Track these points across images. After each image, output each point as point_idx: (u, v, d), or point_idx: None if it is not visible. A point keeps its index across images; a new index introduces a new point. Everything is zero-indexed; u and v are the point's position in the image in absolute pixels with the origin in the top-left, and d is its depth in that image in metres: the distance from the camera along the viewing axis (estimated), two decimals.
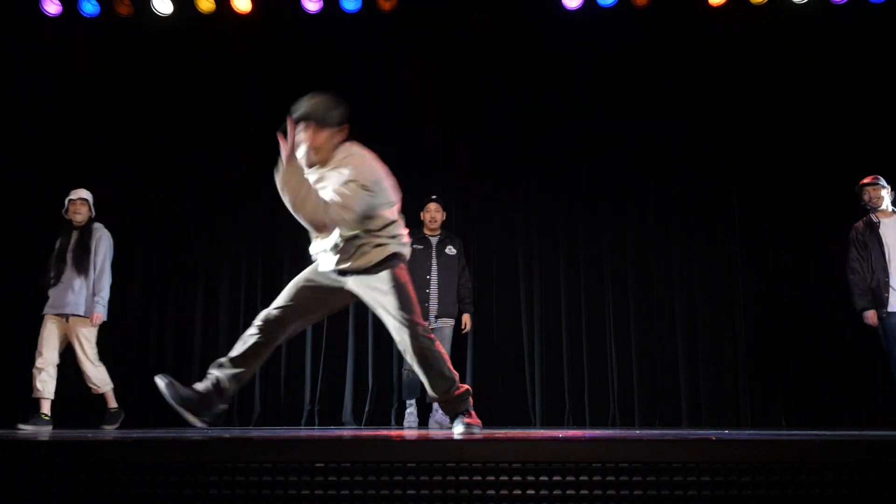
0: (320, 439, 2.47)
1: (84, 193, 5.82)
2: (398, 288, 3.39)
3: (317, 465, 2.28)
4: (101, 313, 5.67)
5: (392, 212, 3.46)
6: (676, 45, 6.61)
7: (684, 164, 6.62)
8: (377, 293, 3.42)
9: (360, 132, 5.50)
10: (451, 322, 5.98)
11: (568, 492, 2.18)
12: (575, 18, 6.59)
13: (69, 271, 5.62)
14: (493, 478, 2.23)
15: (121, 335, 6.50)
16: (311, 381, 6.57)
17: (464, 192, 6.74)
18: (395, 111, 6.72)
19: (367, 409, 6.47)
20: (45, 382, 5.50)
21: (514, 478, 2.22)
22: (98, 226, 5.82)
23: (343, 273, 3.47)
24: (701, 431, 4.49)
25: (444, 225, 6.18)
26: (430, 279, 5.93)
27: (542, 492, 2.19)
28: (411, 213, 5.70)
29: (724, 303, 6.42)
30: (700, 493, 2.12)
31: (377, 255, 3.40)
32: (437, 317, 5.91)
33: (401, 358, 6.49)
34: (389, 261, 3.41)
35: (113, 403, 5.76)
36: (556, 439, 2.37)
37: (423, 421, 6.09)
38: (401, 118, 6.72)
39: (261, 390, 6.61)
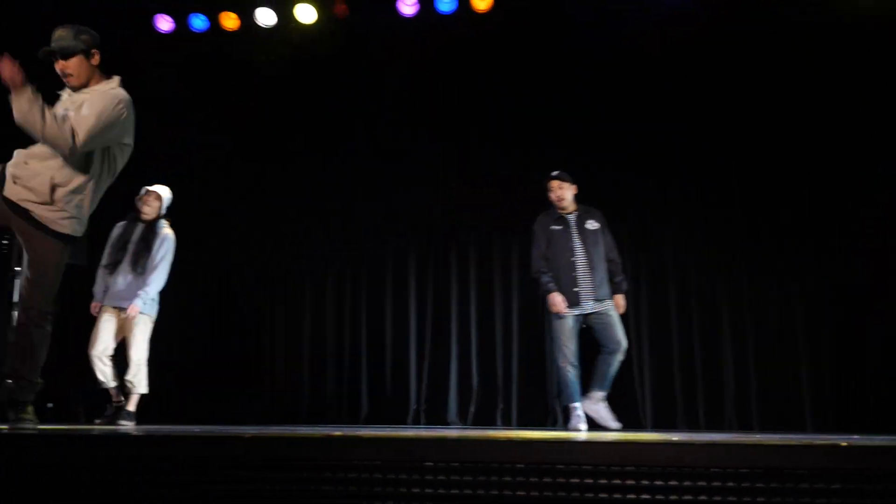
0: (430, 438, 2.47)
1: (162, 190, 5.68)
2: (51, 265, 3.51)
3: (426, 464, 2.28)
4: (138, 306, 5.40)
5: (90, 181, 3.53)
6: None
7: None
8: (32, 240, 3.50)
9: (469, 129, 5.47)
10: (610, 303, 5.40)
11: (685, 497, 2.10)
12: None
13: (126, 264, 5.48)
14: (605, 481, 2.18)
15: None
16: (416, 380, 6.64)
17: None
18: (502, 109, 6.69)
19: (472, 409, 6.47)
20: (103, 372, 5.40)
21: (628, 481, 2.16)
22: (164, 223, 5.64)
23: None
24: (828, 436, 4.27)
25: (579, 199, 5.61)
26: (574, 261, 5.38)
27: (658, 497, 2.12)
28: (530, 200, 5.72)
29: (849, 299, 6.03)
30: (830, 502, 2.01)
31: (57, 220, 3.48)
32: (595, 300, 5.36)
33: (507, 357, 6.47)
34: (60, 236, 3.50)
35: (132, 407, 5.50)
36: (670, 443, 2.29)
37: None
38: (506, 116, 6.69)
39: (368, 389, 6.72)
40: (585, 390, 5.35)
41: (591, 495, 2.18)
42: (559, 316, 5.33)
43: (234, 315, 6.97)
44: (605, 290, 5.42)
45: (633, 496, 2.14)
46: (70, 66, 3.51)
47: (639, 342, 6.37)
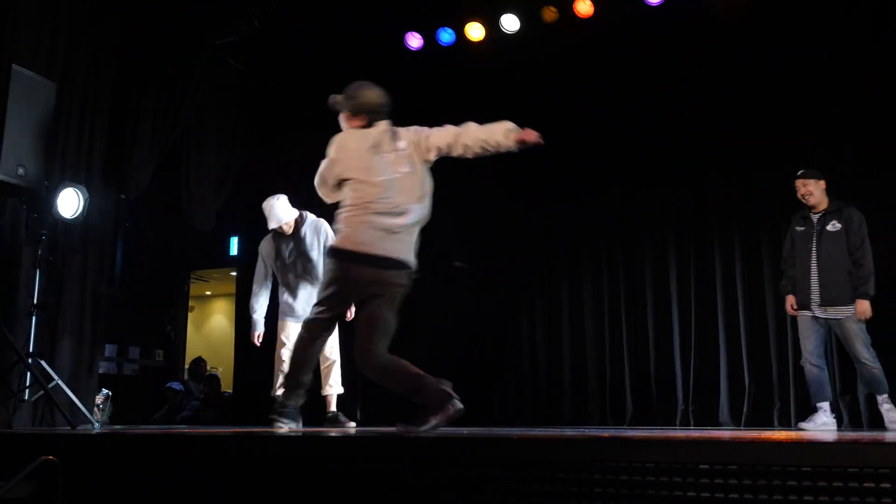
0: (703, 440, 2.42)
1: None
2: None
3: (702, 466, 2.25)
4: None
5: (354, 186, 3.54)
6: None
7: None
8: None
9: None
10: (844, 311, 5.13)
11: None
12: None
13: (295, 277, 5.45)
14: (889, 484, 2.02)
15: None
16: (683, 379, 6.47)
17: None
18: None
19: (745, 409, 6.18)
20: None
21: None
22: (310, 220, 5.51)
23: None
24: None
25: (835, 196, 5.35)
26: (810, 264, 5.29)
27: None
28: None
29: None
30: None
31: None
32: (821, 304, 5.20)
33: (781, 355, 6.12)
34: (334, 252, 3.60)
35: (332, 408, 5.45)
36: None
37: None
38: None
39: (632, 390, 6.65)
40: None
41: (889, 500, 2.03)
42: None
43: (492, 317, 7.20)
44: (837, 294, 5.15)
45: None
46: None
47: None
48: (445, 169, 7.06)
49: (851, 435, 4.10)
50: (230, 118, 7.42)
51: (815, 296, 5.23)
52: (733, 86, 6.28)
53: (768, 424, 6.04)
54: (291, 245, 5.40)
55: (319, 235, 5.44)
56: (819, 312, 5.22)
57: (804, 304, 5.28)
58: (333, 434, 3.56)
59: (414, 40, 7.10)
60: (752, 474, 2.19)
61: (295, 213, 5.45)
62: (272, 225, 5.40)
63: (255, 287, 5.53)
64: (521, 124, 6.82)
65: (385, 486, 2.66)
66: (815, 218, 5.35)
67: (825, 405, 5.18)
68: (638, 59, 6.61)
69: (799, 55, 6.06)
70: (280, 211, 5.38)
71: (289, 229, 5.40)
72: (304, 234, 5.43)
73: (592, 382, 6.82)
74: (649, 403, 6.58)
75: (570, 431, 4.15)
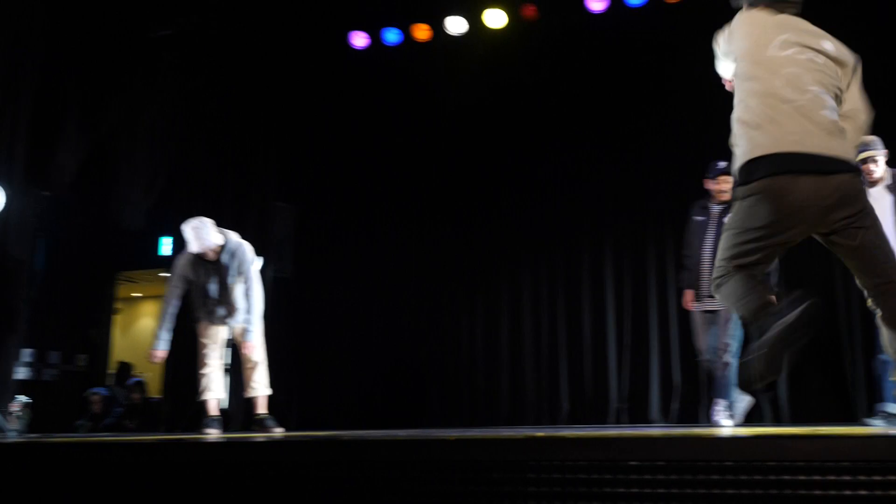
0: (635, 437, 2.48)
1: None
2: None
3: (631, 463, 2.30)
4: None
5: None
6: None
7: None
8: None
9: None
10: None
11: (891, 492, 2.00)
12: None
13: None
14: (819, 477, 2.11)
15: None
16: (617, 378, 6.61)
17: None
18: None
19: (674, 406, 6.35)
20: None
21: (844, 477, 2.08)
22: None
23: None
24: None
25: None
26: (703, 255, 5.31)
27: (876, 492, 2.03)
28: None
29: None
30: None
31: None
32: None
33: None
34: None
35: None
36: (886, 436, 2.18)
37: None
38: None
39: (568, 388, 6.76)
40: None
41: (804, 492, 2.12)
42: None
43: (430, 318, 7.22)
44: None
45: (848, 492, 2.06)
46: None
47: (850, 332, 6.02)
48: (388, 168, 7.15)
49: (773, 430, 4.25)
50: (164, 114, 7.21)
51: (706, 286, 5.14)
52: (670, 91, 6.47)
53: (696, 421, 6.20)
54: (211, 271, 5.25)
55: (237, 260, 5.28)
56: (704, 304, 5.24)
57: (697, 298, 5.29)
58: (261, 439, 3.52)
59: (359, 39, 7.06)
60: (680, 470, 2.25)
61: (221, 238, 5.28)
62: (195, 249, 5.20)
63: (165, 306, 5.28)
64: (465, 124, 6.89)
65: (316, 490, 2.64)
66: (716, 209, 5.37)
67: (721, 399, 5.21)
68: (581, 65, 6.72)
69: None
70: (207, 235, 5.20)
71: (214, 256, 5.25)
72: (226, 260, 5.27)
73: (529, 382, 6.90)
74: (584, 402, 6.70)
75: (505, 431, 4.18)
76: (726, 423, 5.11)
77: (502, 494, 2.44)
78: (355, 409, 6.94)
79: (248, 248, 5.38)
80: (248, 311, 5.26)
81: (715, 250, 5.07)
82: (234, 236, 5.36)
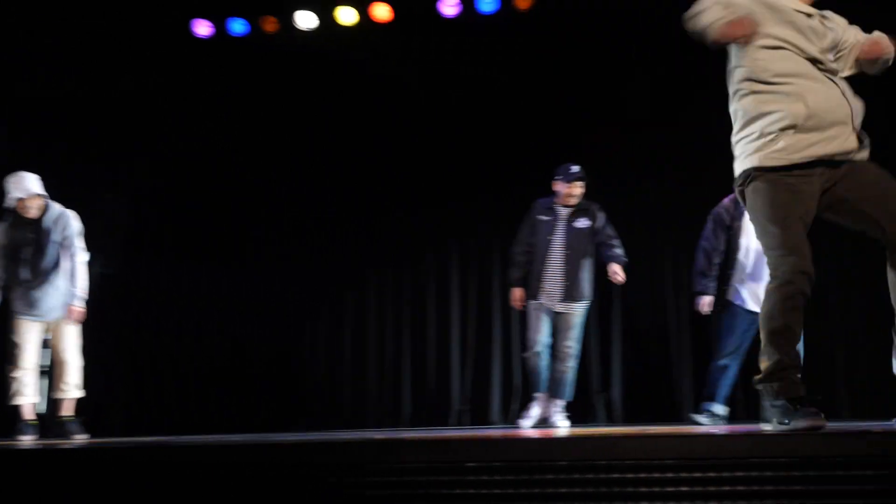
0: (471, 439, 2.49)
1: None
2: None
3: (469, 464, 2.31)
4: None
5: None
6: None
7: None
8: None
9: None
10: (580, 305, 5.44)
11: (724, 488, 2.11)
12: None
13: None
14: (646, 475, 2.19)
15: None
16: (460, 380, 6.68)
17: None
18: (540, 111, 6.69)
19: (514, 407, 6.50)
20: None
21: (668, 474, 2.17)
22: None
23: None
24: (864, 423, 4.23)
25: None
26: (550, 256, 5.45)
27: (696, 488, 2.13)
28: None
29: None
30: (863, 489, 2.01)
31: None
32: (558, 297, 5.39)
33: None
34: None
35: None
36: (711, 435, 2.31)
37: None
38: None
39: (410, 392, 6.77)
40: None
41: (631, 489, 2.20)
42: None
43: (270, 321, 7.04)
44: (577, 288, 5.38)
45: (671, 489, 2.16)
46: None
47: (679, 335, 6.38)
48: (230, 164, 6.90)
49: (605, 430, 4.42)
50: None
51: (551, 287, 5.37)
52: (511, 98, 6.62)
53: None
54: (29, 233, 4.86)
55: (60, 226, 4.93)
56: (554, 304, 5.38)
57: (534, 296, 5.39)
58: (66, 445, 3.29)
59: (202, 28, 6.80)
60: (516, 470, 2.28)
61: (43, 190, 4.90)
62: (16, 194, 4.79)
63: None
64: (313, 122, 6.75)
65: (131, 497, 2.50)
66: (564, 212, 5.48)
67: (540, 394, 5.41)
68: (432, 67, 6.75)
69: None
70: (30, 183, 4.83)
71: (36, 212, 4.87)
72: (48, 224, 4.90)
73: (371, 385, 6.84)
74: (427, 405, 6.72)
75: (345, 434, 4.13)
76: (563, 423, 5.28)
77: (341, 498, 2.40)
78: (187, 413, 6.65)
79: (73, 217, 5.02)
80: (70, 296, 4.92)
81: (565, 253, 5.38)
82: (57, 205, 5.00)
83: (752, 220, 2.85)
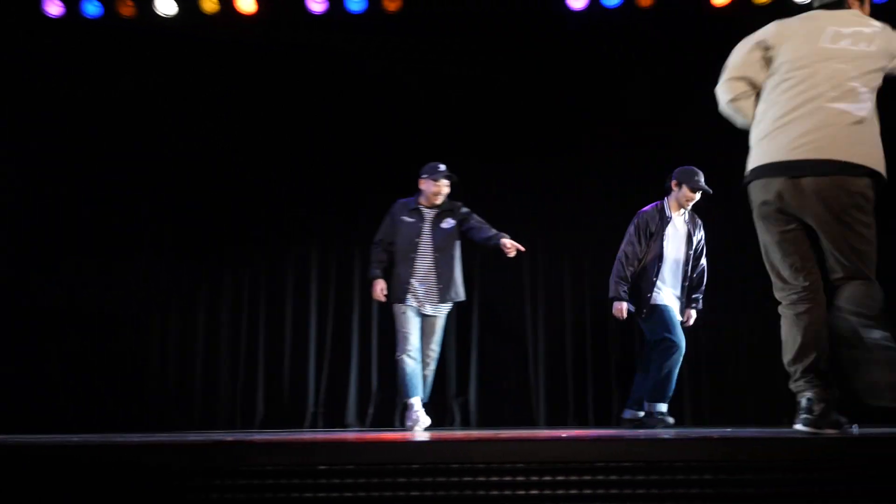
0: (323, 442, 2.46)
1: None
2: None
3: (320, 467, 2.28)
4: None
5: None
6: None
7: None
8: None
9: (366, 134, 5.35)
10: (446, 307, 5.55)
11: (571, 491, 2.17)
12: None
13: None
14: (497, 478, 2.23)
15: None
16: (315, 382, 6.58)
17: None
18: (399, 112, 6.70)
19: (370, 410, 6.47)
20: None
21: (519, 478, 2.22)
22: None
23: None
24: (704, 430, 4.48)
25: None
26: (417, 257, 5.50)
27: (546, 491, 2.18)
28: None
29: (721, 301, 6.29)
30: (703, 492, 2.12)
31: None
32: (427, 299, 5.46)
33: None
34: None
35: None
36: (559, 439, 2.36)
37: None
38: (406, 119, 6.69)
39: (264, 393, 6.60)
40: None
41: (483, 493, 2.22)
42: None
43: (122, 317, 6.69)
44: (449, 290, 5.44)
45: (522, 492, 2.20)
46: None
47: (535, 341, 6.54)
48: (84, 150, 6.54)
49: (459, 434, 4.47)
50: None
51: (422, 290, 5.39)
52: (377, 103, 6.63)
53: (391, 425, 6.37)
54: None
55: None
56: (424, 307, 5.40)
57: (401, 300, 5.39)
58: None
59: (53, 7, 6.43)
60: (368, 473, 2.27)
61: None
62: None
63: None
64: (175, 113, 6.49)
65: None
66: (430, 213, 5.49)
67: (418, 399, 5.37)
68: (295, 65, 6.65)
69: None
70: None
71: None
72: None
73: (224, 386, 6.62)
74: (281, 407, 6.58)
75: (193, 436, 4.00)
76: (420, 422, 5.28)
77: (187, 501, 2.32)
78: (28, 411, 6.21)
79: None
80: None
81: (434, 255, 5.38)
82: None
83: None
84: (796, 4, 6.18)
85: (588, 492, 2.15)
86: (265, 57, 6.69)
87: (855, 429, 2.92)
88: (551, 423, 6.33)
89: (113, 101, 6.64)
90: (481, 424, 6.37)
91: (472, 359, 6.55)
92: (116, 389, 6.50)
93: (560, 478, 2.18)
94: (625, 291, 5.24)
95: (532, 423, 6.34)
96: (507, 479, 2.23)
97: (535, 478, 2.21)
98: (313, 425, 6.45)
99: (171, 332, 6.72)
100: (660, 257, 5.22)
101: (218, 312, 6.73)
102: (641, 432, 3.34)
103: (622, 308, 5.25)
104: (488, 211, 5.73)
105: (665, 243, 5.23)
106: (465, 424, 6.40)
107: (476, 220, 5.50)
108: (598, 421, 6.36)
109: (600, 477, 2.16)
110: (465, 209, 5.53)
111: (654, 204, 5.38)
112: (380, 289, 5.48)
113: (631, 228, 5.30)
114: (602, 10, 6.32)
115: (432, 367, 5.43)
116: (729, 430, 4.39)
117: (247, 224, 6.75)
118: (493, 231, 5.44)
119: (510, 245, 5.34)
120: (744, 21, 5.94)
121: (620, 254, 5.31)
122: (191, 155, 6.71)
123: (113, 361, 6.56)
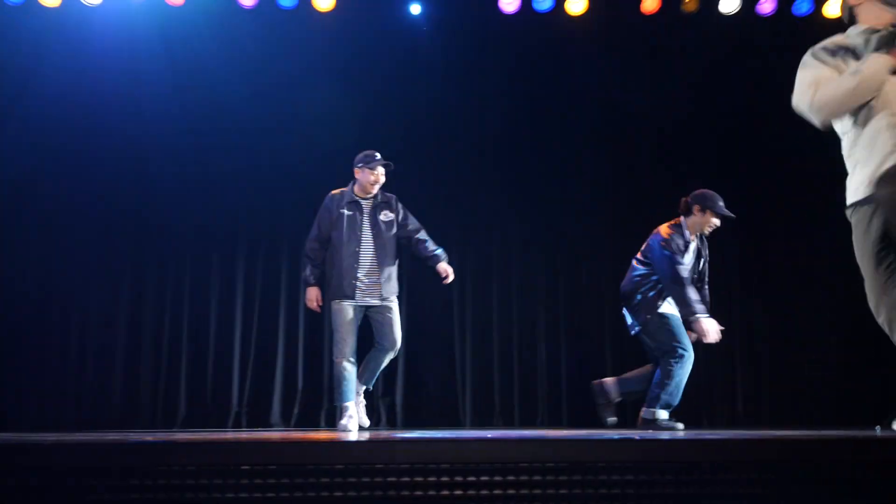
0: (246, 441, 2.44)
1: None
2: None
3: (243, 467, 2.25)
4: None
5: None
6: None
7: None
8: None
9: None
10: (392, 301, 5.34)
11: (495, 491, 2.20)
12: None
13: None
14: (422, 478, 2.24)
15: None
16: (240, 382, 6.47)
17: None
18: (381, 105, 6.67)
19: (295, 410, 6.40)
20: None
21: (443, 478, 2.23)
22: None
23: None
24: (627, 432, 4.58)
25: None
26: (360, 251, 5.31)
27: (470, 492, 2.20)
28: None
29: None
30: (624, 492, 2.17)
31: None
32: (373, 294, 5.26)
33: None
34: None
35: None
36: (485, 439, 2.38)
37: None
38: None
39: (186, 392, 6.46)
40: None
41: (407, 493, 2.23)
42: None
43: (41, 313, 6.47)
44: (389, 285, 5.30)
45: (447, 492, 2.21)
46: None
47: (462, 341, 6.58)
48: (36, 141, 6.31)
49: (384, 434, 4.47)
50: None
51: (366, 284, 5.20)
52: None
53: (316, 425, 6.32)
54: None
55: None
56: (369, 301, 5.21)
57: (347, 295, 5.17)
58: None
59: None
60: (291, 473, 2.25)
61: None
62: None
63: None
64: (105, 106, 6.30)
65: None
66: (366, 205, 5.33)
67: (352, 403, 5.18)
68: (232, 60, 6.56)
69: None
70: None
71: None
72: None
73: (145, 385, 6.44)
74: (203, 406, 6.44)
75: (112, 435, 3.90)
76: (353, 427, 5.16)
77: (103, 502, 2.26)
78: None
79: None
80: None
81: (375, 247, 5.27)
82: None
83: None
84: (722, 14, 6.39)
85: (512, 492, 2.17)
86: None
87: (878, 430, 2.95)
88: (477, 425, 6.38)
89: None
90: (407, 425, 6.37)
91: (398, 359, 6.53)
92: (34, 388, 6.28)
93: (484, 478, 2.20)
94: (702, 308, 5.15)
95: (458, 424, 6.37)
96: (432, 479, 2.24)
97: (459, 478, 2.23)
98: (237, 425, 6.35)
99: (89, 329, 6.51)
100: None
101: (140, 309, 6.56)
102: (568, 433, 3.39)
103: (717, 327, 5.12)
104: (419, 210, 5.73)
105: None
106: (391, 425, 6.39)
107: (413, 223, 5.37)
108: (524, 421, 6.44)
109: (524, 477, 2.18)
110: (399, 204, 5.40)
111: (672, 224, 5.29)
112: (314, 297, 5.31)
113: (667, 252, 5.14)
114: (534, 14, 6.45)
115: (392, 355, 5.33)
116: (650, 432, 4.50)
117: (171, 220, 6.60)
118: (434, 248, 5.34)
119: (444, 272, 5.31)
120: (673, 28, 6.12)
121: (678, 279, 5.10)
122: (113, 150, 6.55)
123: (31, 359, 6.34)
